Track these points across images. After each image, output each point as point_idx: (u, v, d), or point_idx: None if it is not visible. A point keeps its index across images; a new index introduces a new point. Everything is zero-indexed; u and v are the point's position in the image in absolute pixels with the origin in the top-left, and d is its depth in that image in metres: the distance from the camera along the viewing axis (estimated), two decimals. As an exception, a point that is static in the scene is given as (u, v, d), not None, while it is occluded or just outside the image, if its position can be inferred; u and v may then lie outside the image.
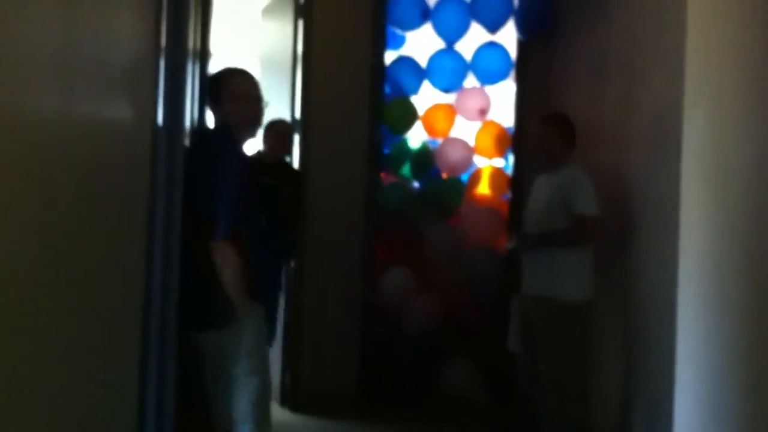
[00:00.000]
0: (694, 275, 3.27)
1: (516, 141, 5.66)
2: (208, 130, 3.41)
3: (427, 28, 5.58)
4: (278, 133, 4.70)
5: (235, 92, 3.21)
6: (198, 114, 3.40)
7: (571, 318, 4.13)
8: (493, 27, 5.50)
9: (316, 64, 5.34)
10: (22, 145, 1.35)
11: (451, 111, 5.65)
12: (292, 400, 5.21)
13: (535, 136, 4.59)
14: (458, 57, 5.57)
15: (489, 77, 5.62)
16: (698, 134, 3.31)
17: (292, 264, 5.16)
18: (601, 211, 4.12)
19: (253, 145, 4.55)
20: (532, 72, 5.63)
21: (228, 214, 2.88)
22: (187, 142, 2.99)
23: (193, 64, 3.19)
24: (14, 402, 1.37)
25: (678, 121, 3.53)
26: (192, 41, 3.00)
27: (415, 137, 5.65)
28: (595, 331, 4.40)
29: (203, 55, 3.60)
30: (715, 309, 3.08)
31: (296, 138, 5.14)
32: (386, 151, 5.60)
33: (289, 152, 5.04)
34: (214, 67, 3.68)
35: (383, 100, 5.53)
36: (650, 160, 4.10)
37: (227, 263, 2.86)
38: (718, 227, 3.07)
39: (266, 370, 3.17)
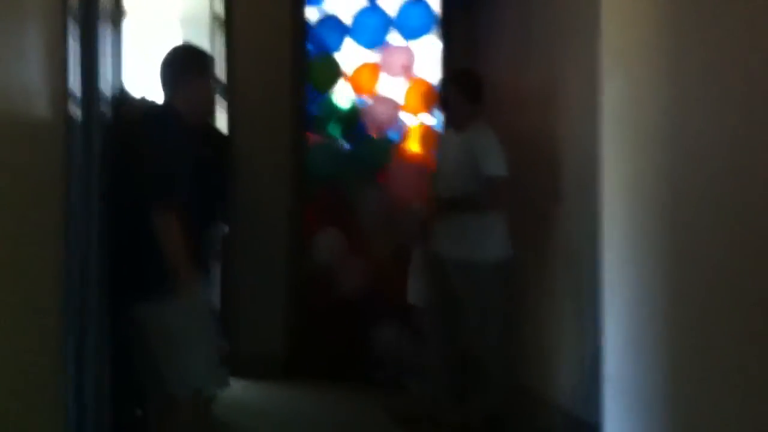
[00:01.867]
0: (618, 223, 3.36)
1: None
2: (153, 109, 3.35)
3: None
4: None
5: (197, 75, 3.23)
6: (113, 79, 3.24)
7: (491, 278, 4.16)
8: (416, -17, 5.42)
9: (236, 24, 5.19)
10: None
11: (376, 69, 5.58)
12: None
13: (439, 94, 4.55)
14: (382, 13, 5.49)
15: (412, 33, 5.56)
16: (617, 97, 3.39)
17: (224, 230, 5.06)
18: (509, 172, 4.12)
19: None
20: (457, 29, 5.58)
21: (169, 187, 2.91)
22: (116, 113, 2.91)
23: (107, 25, 3.03)
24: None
25: (598, 85, 3.57)
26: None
27: (342, 96, 5.56)
28: (523, 287, 4.46)
29: (116, 15, 3.44)
30: (637, 251, 3.18)
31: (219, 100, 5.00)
32: (312, 110, 5.50)
33: (213, 115, 4.90)
34: (128, 27, 3.53)
35: (307, 59, 5.42)
36: (573, 123, 4.13)
37: (170, 234, 2.88)
38: (637, 181, 3.16)
39: (209, 329, 3.22)
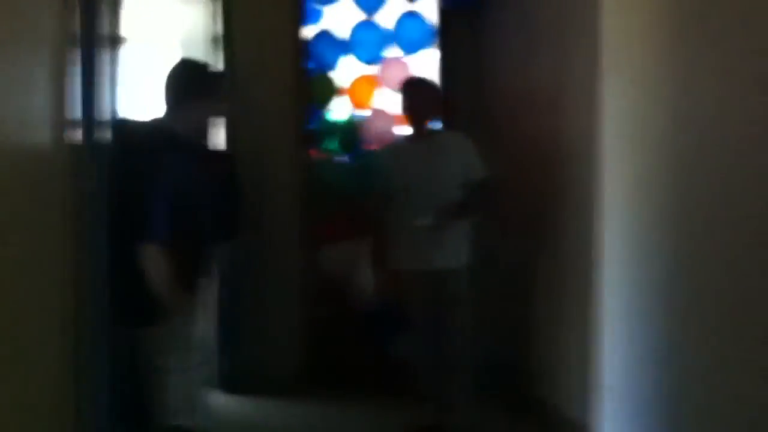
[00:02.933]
0: (618, 223, 3.36)
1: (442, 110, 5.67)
2: (152, 132, 3.23)
3: (346, 1, 5.53)
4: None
5: (204, 94, 3.18)
6: (112, 105, 3.29)
7: (456, 284, 4.14)
8: (411, -4, 5.48)
9: (236, 44, 5.25)
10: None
11: (374, 82, 5.63)
12: (230, 383, 5.17)
13: (402, 105, 4.38)
14: (379, 28, 5.54)
15: (411, 46, 5.61)
16: (617, 97, 3.39)
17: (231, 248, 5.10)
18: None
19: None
20: (457, 40, 5.63)
21: (158, 219, 2.88)
22: (115, 136, 2.92)
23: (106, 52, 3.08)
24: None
25: (598, 86, 3.59)
26: (105, 26, 2.90)
27: (340, 111, 5.62)
28: (521, 288, 4.47)
29: (115, 42, 3.48)
30: (637, 252, 3.18)
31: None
32: (311, 127, 5.55)
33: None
34: (127, 53, 3.58)
35: (307, 76, 5.47)
36: (573, 123, 4.16)
37: (152, 267, 2.86)
38: (637, 181, 3.16)
39: (201, 362, 3.27)
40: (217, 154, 4.77)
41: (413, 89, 4.32)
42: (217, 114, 3.27)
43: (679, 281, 2.75)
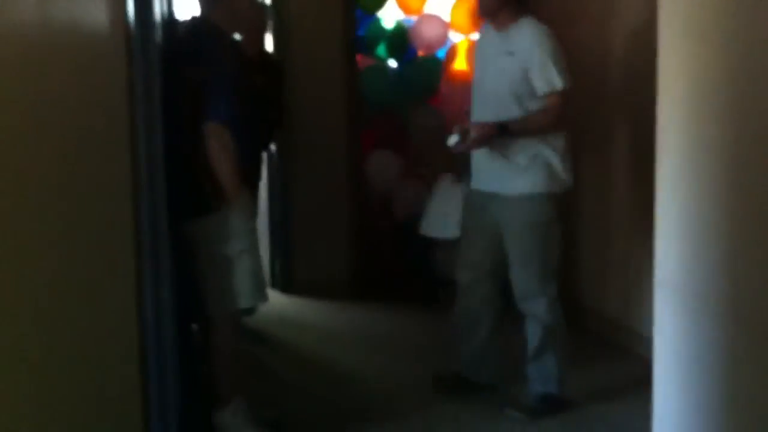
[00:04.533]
0: (673, 144, 3.23)
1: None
2: (193, 22, 3.31)
3: None
4: (256, 23, 4.63)
5: None
6: (167, 7, 3.35)
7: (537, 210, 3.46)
8: None
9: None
10: (3, 47, 1.37)
11: (424, -14, 5.57)
12: (282, 282, 5.36)
13: None
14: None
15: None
16: (676, 12, 3.23)
17: (274, 149, 5.20)
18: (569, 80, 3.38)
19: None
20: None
21: (219, 98, 2.94)
22: (163, 35, 2.99)
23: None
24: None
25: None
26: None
27: (389, 16, 5.58)
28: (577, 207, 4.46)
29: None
30: (692, 173, 3.09)
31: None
32: (360, 33, 5.54)
33: (264, 42, 4.98)
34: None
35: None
36: (629, 37, 4.06)
37: (222, 145, 2.93)
38: (696, 96, 3.02)
39: (256, 247, 3.24)
40: (267, 59, 4.81)
41: None
42: (248, 4, 3.23)
43: (737, 203, 2.62)
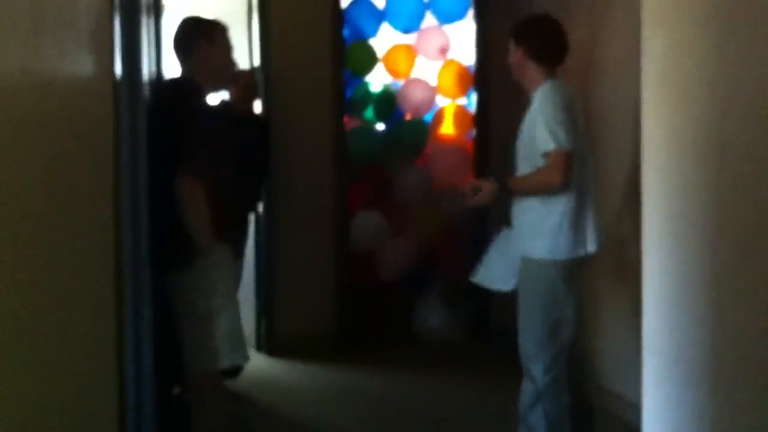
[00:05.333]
0: (657, 185, 3.25)
1: (478, 79, 5.68)
2: (172, 80, 3.40)
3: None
4: (245, 84, 4.69)
5: (207, 41, 3.21)
6: (155, 66, 3.39)
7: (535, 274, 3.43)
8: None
9: (273, 14, 5.29)
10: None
11: (411, 51, 5.65)
12: (268, 344, 5.30)
13: (506, 60, 3.64)
14: (415, -3, 5.56)
15: (447, 16, 5.62)
16: (657, 60, 3.33)
17: (261, 210, 5.20)
18: (569, 145, 3.31)
19: (219, 97, 4.56)
20: (492, 9, 5.62)
21: (192, 153, 2.95)
22: (149, 92, 3.02)
23: (148, 18, 3.17)
24: None
25: (638, 51, 3.52)
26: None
27: (377, 80, 5.65)
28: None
29: (156, 9, 3.57)
30: (677, 222, 3.14)
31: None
32: (348, 95, 5.59)
33: (254, 103, 5.02)
34: (168, 21, 3.65)
35: (344, 44, 5.51)
36: (613, 86, 4.13)
37: (190, 199, 2.93)
38: (678, 141, 3.09)
39: (235, 304, 3.19)
40: (253, 117, 4.85)
41: (516, 34, 3.55)
42: (223, 59, 3.27)
43: (721, 249, 2.68)
